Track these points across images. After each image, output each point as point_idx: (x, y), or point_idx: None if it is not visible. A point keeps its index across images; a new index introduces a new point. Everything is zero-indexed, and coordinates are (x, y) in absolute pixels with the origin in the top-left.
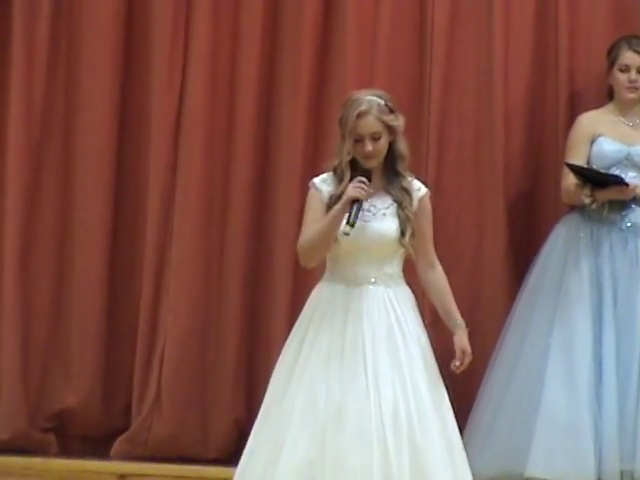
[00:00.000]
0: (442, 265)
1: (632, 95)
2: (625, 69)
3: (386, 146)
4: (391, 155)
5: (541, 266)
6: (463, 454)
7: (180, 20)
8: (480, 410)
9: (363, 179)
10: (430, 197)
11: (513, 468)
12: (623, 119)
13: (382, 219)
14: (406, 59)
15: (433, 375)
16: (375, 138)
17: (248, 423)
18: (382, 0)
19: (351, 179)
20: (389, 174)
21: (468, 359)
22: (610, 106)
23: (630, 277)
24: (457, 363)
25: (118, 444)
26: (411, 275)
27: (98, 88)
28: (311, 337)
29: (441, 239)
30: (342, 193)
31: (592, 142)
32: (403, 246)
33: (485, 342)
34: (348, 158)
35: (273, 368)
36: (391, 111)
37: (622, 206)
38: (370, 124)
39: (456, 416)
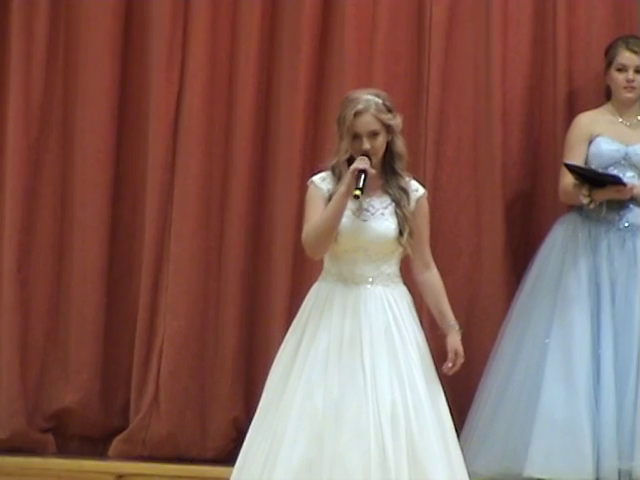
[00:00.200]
0: (440, 264)
1: (629, 95)
2: (622, 69)
3: (384, 145)
4: (389, 154)
5: (539, 266)
6: (459, 453)
7: (178, 18)
8: (478, 410)
9: (364, 158)
10: (428, 197)
11: (511, 468)
12: (621, 119)
13: (380, 218)
14: (404, 58)
15: (430, 374)
16: (373, 136)
17: (246, 422)
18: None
19: None
20: (387, 173)
21: (460, 361)
22: (608, 106)
23: (628, 277)
24: (449, 365)
25: (116, 444)
26: (409, 275)
27: (96, 86)
28: (309, 336)
29: (439, 238)
30: None
31: (590, 142)
32: (401, 245)
33: (483, 341)
34: (346, 156)
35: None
36: (389, 110)
37: (620, 206)
38: (368, 122)
39: (454, 416)
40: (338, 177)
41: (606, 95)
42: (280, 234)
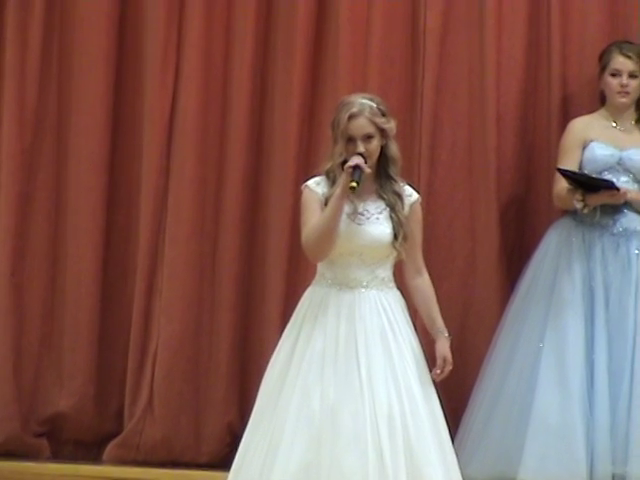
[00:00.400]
0: (434, 269)
1: (623, 100)
2: (616, 74)
3: (378, 148)
4: (383, 159)
5: (533, 270)
6: (454, 456)
7: (173, 23)
8: (473, 413)
9: (358, 155)
10: (422, 201)
11: (505, 472)
12: (615, 124)
13: (375, 223)
14: (398, 62)
15: (425, 378)
16: (367, 140)
17: (241, 427)
18: (374, 4)
19: None
20: (381, 178)
21: (449, 368)
22: (602, 111)
23: (622, 281)
24: (438, 371)
25: (110, 448)
26: (401, 280)
27: (91, 91)
28: (303, 340)
29: (433, 243)
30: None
31: (584, 147)
32: (396, 249)
33: (477, 346)
34: (340, 159)
35: None
36: (383, 114)
37: (614, 210)
38: (362, 125)
39: (448, 419)
40: (332, 181)
41: (600, 100)
42: (274, 238)
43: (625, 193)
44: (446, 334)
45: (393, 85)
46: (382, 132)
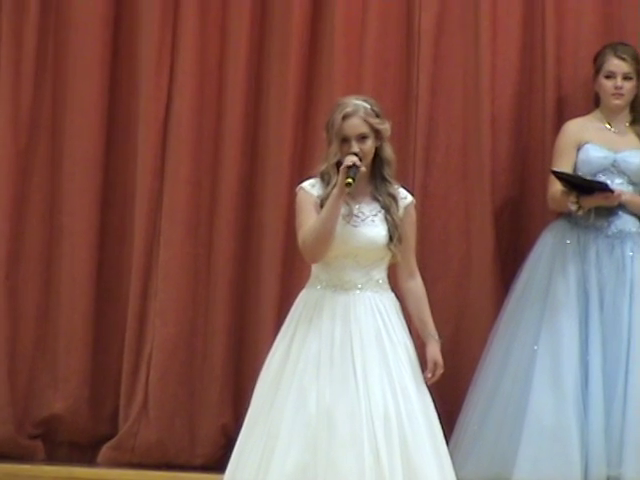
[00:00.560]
0: (429, 271)
1: (618, 101)
2: (611, 76)
3: (373, 149)
4: (378, 161)
5: (528, 272)
6: (448, 457)
7: (167, 25)
8: (468, 415)
9: (353, 155)
10: (417, 204)
11: (500, 473)
12: (609, 126)
13: (371, 225)
14: (393, 65)
15: (419, 379)
16: (361, 140)
17: (235, 429)
18: (369, 6)
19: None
20: (376, 180)
21: (440, 371)
22: (596, 113)
23: (616, 283)
24: (429, 375)
25: (105, 450)
26: (394, 283)
27: (85, 92)
28: (298, 342)
29: (428, 245)
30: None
31: (579, 149)
32: (391, 251)
33: (472, 348)
34: (335, 159)
35: None
36: (377, 115)
37: (608, 212)
38: (356, 125)
39: (443, 421)
40: (327, 183)
41: (595, 102)
42: (269, 241)
43: (619, 195)
44: (437, 338)
45: (388, 87)
46: (376, 133)
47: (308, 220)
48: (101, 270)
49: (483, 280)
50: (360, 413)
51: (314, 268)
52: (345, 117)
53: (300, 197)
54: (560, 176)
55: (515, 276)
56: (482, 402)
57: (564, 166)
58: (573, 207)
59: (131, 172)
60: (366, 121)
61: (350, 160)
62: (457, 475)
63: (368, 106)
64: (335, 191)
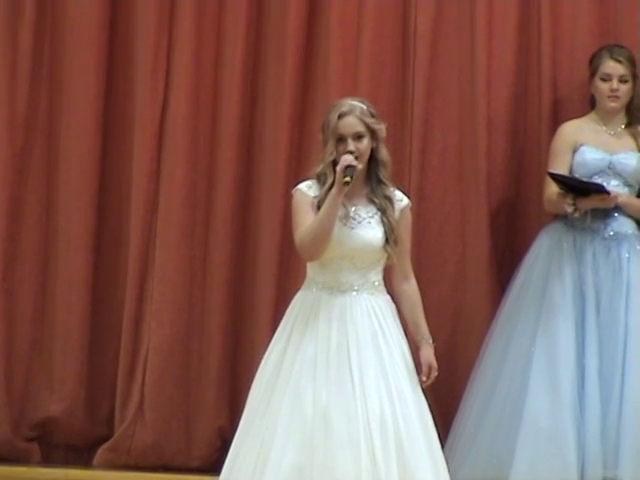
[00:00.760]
0: (425, 273)
1: (614, 104)
2: (607, 78)
3: (369, 149)
4: (374, 162)
5: (524, 275)
6: (443, 459)
7: (163, 27)
8: (464, 417)
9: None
10: (412, 207)
11: (496, 476)
12: (605, 128)
13: (367, 227)
14: (389, 67)
15: (415, 381)
16: (357, 139)
17: (231, 431)
18: (365, 9)
19: (333, 183)
20: (372, 182)
21: (434, 374)
22: (592, 115)
23: (613, 285)
24: (424, 378)
25: (101, 453)
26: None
27: (81, 94)
28: (294, 344)
29: (424, 247)
30: (328, 193)
31: (575, 151)
32: (387, 253)
33: (468, 350)
34: (331, 158)
35: None
36: (372, 116)
37: (605, 214)
38: (352, 123)
39: (439, 423)
40: (324, 184)
41: (590, 104)
42: (265, 243)
43: (616, 197)
44: (430, 341)
45: (384, 90)
46: (372, 133)
47: (305, 220)
48: (97, 272)
49: (479, 282)
50: (356, 415)
51: (310, 270)
52: (341, 116)
53: (297, 198)
54: (557, 178)
55: (511, 278)
56: (478, 404)
57: (560, 168)
58: (569, 209)
59: (127, 174)
60: (362, 120)
61: (347, 160)
62: (454, 477)
63: (364, 107)
64: (333, 190)
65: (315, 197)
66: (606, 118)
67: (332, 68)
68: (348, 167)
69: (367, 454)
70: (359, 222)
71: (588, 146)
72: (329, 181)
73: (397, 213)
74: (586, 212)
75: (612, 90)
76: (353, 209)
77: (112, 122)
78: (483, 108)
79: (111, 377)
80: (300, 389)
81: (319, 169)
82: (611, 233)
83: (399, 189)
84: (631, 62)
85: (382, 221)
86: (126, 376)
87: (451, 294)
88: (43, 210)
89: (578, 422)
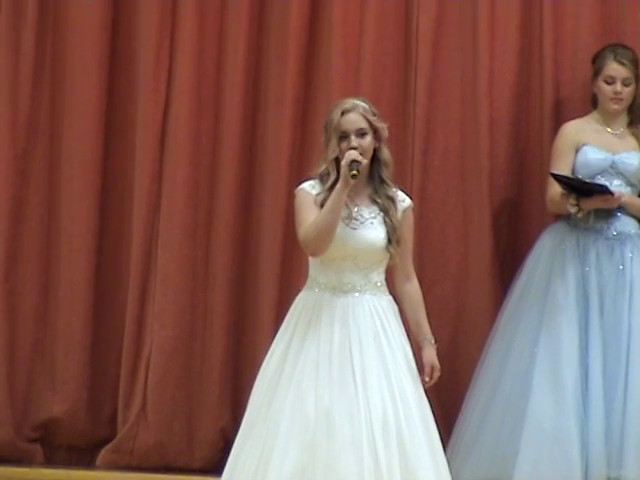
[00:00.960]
0: (427, 273)
1: (617, 106)
2: (610, 81)
3: (371, 147)
4: (376, 163)
5: (527, 275)
6: (445, 460)
7: (165, 28)
8: (467, 417)
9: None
10: (414, 208)
11: (499, 476)
12: (607, 128)
13: (370, 227)
14: (391, 67)
15: (417, 382)
16: (361, 136)
17: (234, 432)
18: (367, 9)
19: (336, 181)
20: (375, 182)
21: (437, 374)
22: (594, 114)
23: (616, 285)
24: (427, 378)
25: (104, 453)
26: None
27: (83, 95)
28: (296, 345)
29: (426, 248)
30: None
31: (577, 151)
32: (390, 253)
33: (471, 350)
34: (333, 155)
35: None
36: (374, 115)
37: (608, 215)
38: (355, 120)
39: (441, 424)
40: (327, 183)
41: (593, 104)
42: (267, 243)
43: (619, 197)
44: (433, 341)
45: (385, 90)
46: (375, 132)
47: (309, 217)
48: (99, 273)
49: (481, 282)
50: (359, 415)
51: (312, 270)
52: (344, 112)
53: (300, 197)
54: (559, 179)
55: (514, 278)
56: (481, 404)
57: (562, 168)
58: (572, 209)
59: (129, 175)
60: (365, 117)
61: (352, 154)
62: (456, 477)
63: (366, 105)
64: (339, 185)
65: (318, 194)
66: (608, 118)
67: (334, 68)
68: (353, 162)
69: (369, 455)
70: (362, 222)
71: (590, 146)
72: (332, 179)
73: (399, 214)
74: (589, 212)
75: (616, 93)
76: (356, 209)
77: (114, 122)
78: (485, 108)
79: (113, 378)
80: (302, 390)
81: (322, 168)
82: (614, 233)
83: (401, 189)
84: (634, 64)
85: (384, 221)
86: (128, 377)
87: (453, 294)
88: (45, 211)
89: (582, 422)
